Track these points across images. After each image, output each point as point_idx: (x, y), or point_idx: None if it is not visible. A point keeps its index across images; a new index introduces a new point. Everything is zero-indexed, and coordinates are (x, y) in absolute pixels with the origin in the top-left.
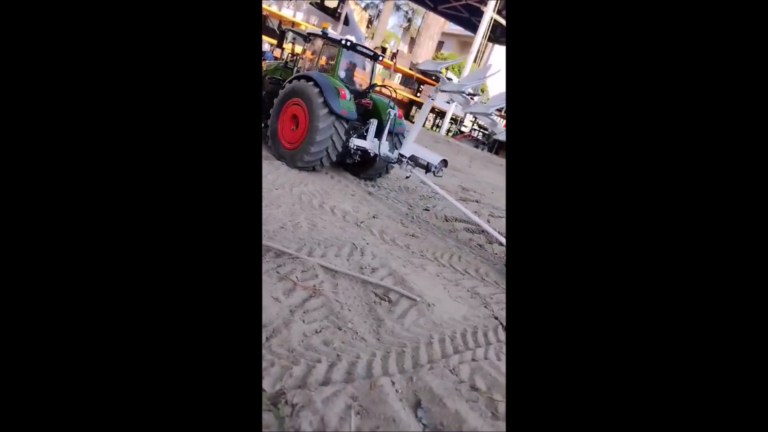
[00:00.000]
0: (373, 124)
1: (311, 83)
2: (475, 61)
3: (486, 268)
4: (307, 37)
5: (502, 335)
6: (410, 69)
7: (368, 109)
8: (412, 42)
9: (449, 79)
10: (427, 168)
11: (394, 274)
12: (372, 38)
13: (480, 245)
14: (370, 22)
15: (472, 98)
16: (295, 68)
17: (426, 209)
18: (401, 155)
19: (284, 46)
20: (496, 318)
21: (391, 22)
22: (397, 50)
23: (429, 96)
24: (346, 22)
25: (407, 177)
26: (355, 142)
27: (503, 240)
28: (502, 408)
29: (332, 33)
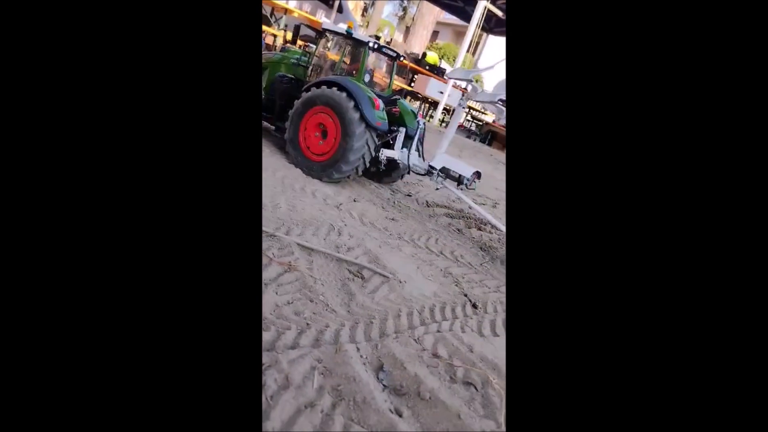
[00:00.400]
0: (401, 132)
1: (343, 92)
2: (468, 50)
3: (462, 251)
4: (322, 34)
5: (470, 311)
6: (404, 59)
7: (395, 117)
8: (407, 31)
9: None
10: (458, 180)
11: (369, 253)
12: (367, 27)
13: (458, 230)
14: (365, 10)
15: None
16: (309, 68)
17: (408, 195)
18: (431, 167)
19: (293, 40)
20: (465, 295)
21: (386, 10)
22: (391, 39)
23: (460, 104)
24: (340, 9)
25: (437, 189)
26: (386, 153)
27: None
28: (460, 373)
29: (358, 34)
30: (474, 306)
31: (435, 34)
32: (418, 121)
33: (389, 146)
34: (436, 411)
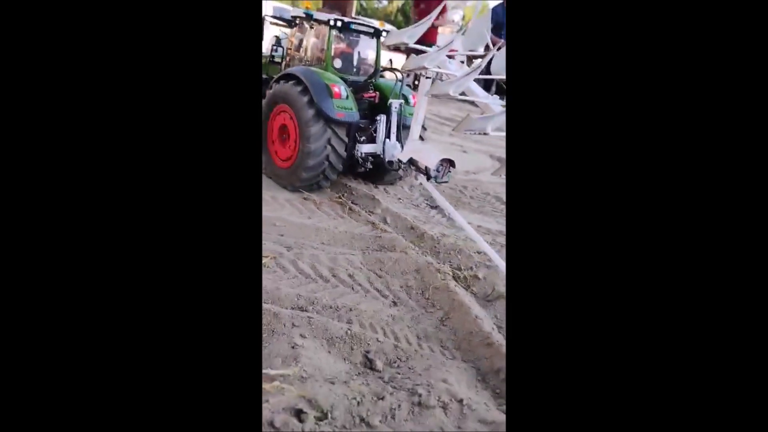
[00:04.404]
0: (382, 121)
1: (293, 82)
2: None
3: None
4: (293, 22)
5: None
6: (386, 33)
7: (375, 104)
8: None
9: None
10: (426, 174)
11: None
12: None
13: None
14: None
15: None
16: (282, 63)
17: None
18: (399, 161)
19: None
20: None
21: None
22: None
23: (424, 93)
24: None
25: (420, 183)
26: (363, 149)
27: (502, 265)
28: None
29: (319, 13)
30: None
31: None
32: (390, 104)
33: (373, 140)
34: None
